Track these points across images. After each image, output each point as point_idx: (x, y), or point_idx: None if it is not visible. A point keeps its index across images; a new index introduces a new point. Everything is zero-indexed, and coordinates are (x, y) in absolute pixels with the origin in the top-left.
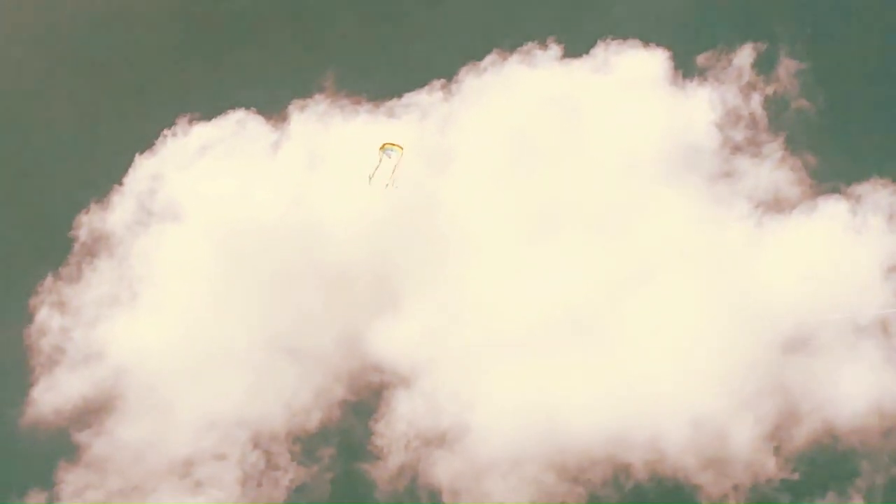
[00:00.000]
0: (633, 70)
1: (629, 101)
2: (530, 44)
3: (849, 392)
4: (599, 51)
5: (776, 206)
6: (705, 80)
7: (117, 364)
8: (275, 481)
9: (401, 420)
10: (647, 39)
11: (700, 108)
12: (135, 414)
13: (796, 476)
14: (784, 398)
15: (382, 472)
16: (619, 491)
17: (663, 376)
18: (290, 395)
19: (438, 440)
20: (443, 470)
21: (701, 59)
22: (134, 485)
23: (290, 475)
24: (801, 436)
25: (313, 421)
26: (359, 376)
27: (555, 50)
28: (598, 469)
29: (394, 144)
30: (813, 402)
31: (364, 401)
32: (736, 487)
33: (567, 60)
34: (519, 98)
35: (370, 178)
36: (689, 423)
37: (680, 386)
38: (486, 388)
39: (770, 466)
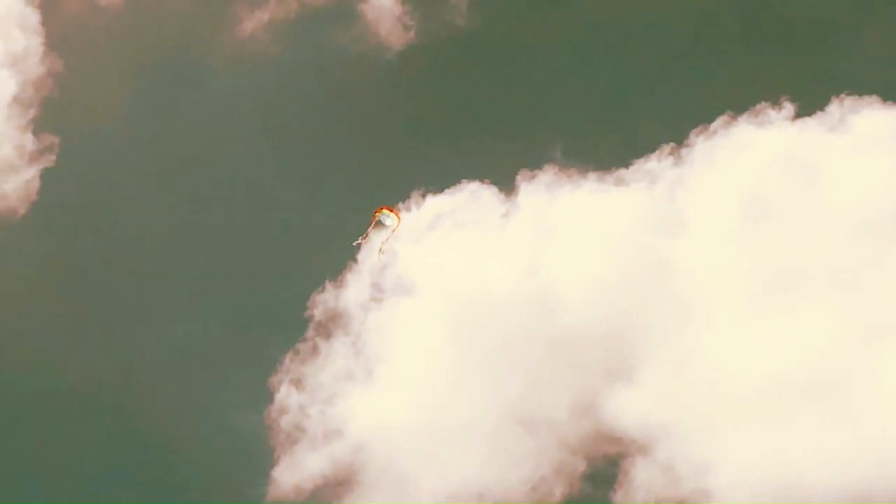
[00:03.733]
0: (871, 128)
1: (866, 160)
2: (762, 104)
3: None
4: (834, 108)
5: None
6: None
7: (355, 440)
8: None
9: (640, 489)
10: (886, 97)
11: None
12: (374, 489)
13: None
14: None
15: None
16: None
17: None
18: (529, 468)
19: None
20: None
21: None
22: None
23: None
24: None
25: (555, 495)
26: (595, 446)
27: (788, 109)
28: None
29: (391, 211)
30: None
31: (601, 471)
32: None
33: (801, 120)
34: (751, 159)
35: (359, 242)
36: None
37: None
38: (725, 452)
39: None
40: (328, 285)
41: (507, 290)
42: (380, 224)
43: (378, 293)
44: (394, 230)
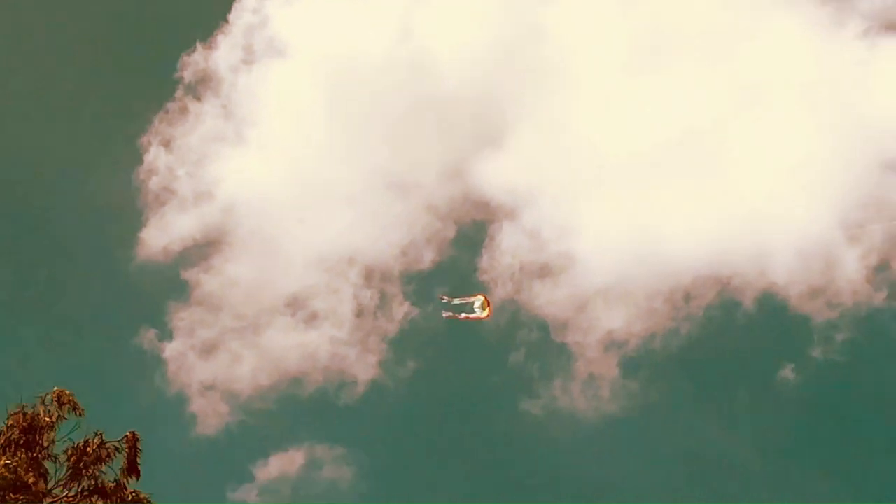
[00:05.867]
0: None
1: None
2: None
3: None
4: None
5: (890, 26)
6: None
7: (225, 202)
8: (389, 316)
9: (506, 253)
10: None
11: None
12: (244, 251)
13: None
14: (889, 222)
15: None
16: (729, 317)
17: (770, 200)
18: (399, 232)
19: (543, 271)
20: (548, 300)
21: None
22: (247, 320)
23: (404, 310)
24: None
25: (424, 260)
26: (463, 211)
27: None
28: (706, 295)
29: (488, 306)
30: None
31: (469, 235)
32: (843, 315)
33: None
34: None
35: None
36: (796, 250)
37: (786, 211)
38: (590, 218)
39: (876, 293)
40: (199, 46)
41: (380, 53)
42: (470, 304)
43: (249, 55)
44: (476, 317)
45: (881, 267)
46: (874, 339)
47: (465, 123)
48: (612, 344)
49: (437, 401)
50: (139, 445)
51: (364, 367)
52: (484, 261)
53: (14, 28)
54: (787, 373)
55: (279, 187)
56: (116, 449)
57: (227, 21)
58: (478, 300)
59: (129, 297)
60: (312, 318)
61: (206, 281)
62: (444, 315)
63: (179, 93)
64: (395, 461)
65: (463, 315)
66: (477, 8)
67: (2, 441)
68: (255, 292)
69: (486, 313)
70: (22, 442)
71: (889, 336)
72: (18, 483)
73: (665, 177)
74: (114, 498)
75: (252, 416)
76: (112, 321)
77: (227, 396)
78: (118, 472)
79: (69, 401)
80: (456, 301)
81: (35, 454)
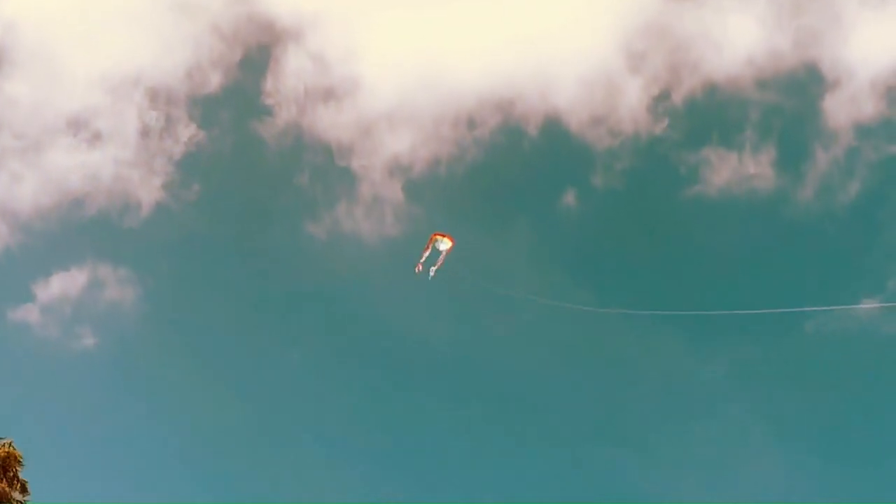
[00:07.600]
0: None
1: None
2: None
3: (734, 43)
4: None
5: None
6: None
7: (6, 20)
8: (174, 138)
9: (290, 76)
10: None
11: None
12: (25, 70)
13: (681, 132)
14: (670, 51)
15: (272, 130)
16: (513, 143)
17: (552, 26)
18: (184, 54)
19: (328, 95)
20: (333, 124)
21: None
22: (28, 140)
23: (189, 132)
24: (686, 91)
25: (211, 83)
26: (249, 32)
27: None
28: (490, 120)
29: (444, 237)
30: (699, 52)
31: (254, 58)
32: (623, 144)
33: None
34: None
35: (418, 269)
36: (578, 77)
37: (569, 37)
38: (375, 41)
39: (657, 122)
40: None
41: None
42: (434, 249)
43: None
44: (447, 252)
45: (662, 96)
46: (653, 168)
47: None
48: (396, 168)
49: (223, 223)
50: None
51: (149, 190)
52: (269, 84)
53: None
54: (569, 199)
55: (61, 4)
56: None
57: None
58: (437, 241)
59: None
60: (95, 139)
61: None
62: (430, 276)
63: None
64: (179, 283)
65: (439, 262)
66: None
67: None
68: (36, 112)
69: (449, 244)
70: None
71: (667, 164)
72: None
73: (449, 1)
74: None
75: (33, 236)
76: None
77: (7, 216)
78: None
79: None
80: (425, 259)
81: None
